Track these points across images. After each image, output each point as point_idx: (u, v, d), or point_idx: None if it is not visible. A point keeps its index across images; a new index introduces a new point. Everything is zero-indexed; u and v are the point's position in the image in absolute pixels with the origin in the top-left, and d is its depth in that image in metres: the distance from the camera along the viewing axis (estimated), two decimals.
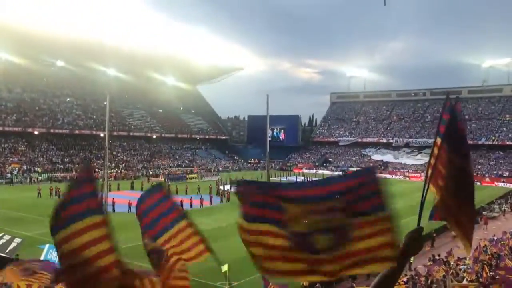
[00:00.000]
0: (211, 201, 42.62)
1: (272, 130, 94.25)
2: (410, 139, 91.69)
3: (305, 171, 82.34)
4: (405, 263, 2.15)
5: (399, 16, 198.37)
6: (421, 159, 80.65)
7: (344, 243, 2.06)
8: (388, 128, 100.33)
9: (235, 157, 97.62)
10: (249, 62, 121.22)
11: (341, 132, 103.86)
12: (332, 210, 2.06)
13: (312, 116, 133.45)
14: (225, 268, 16.85)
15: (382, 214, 2.05)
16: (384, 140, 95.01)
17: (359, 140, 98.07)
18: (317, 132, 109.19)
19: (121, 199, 37.54)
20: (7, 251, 20.65)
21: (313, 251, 2.09)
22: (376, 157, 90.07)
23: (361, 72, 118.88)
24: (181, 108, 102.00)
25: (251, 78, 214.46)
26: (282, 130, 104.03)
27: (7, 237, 22.42)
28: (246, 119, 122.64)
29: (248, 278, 18.29)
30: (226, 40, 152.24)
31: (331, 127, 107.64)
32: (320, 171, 79.84)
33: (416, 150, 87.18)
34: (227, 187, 52.70)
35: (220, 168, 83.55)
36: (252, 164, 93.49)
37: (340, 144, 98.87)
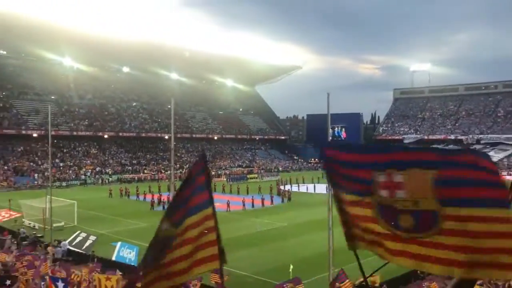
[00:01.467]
0: (272, 201, 42.82)
1: (333, 129, 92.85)
2: (481, 135, 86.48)
3: None
4: None
5: (466, 6, 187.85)
6: (495, 155, 75.77)
7: (430, 231, 1.93)
8: (456, 124, 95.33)
9: (295, 157, 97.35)
10: (307, 61, 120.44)
11: (405, 129, 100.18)
12: (421, 184, 1.93)
13: (375, 113, 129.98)
14: (290, 268, 16.89)
15: (500, 211, 1.82)
16: (452, 137, 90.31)
17: (425, 137, 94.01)
18: (380, 129, 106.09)
19: None
20: (83, 247, 22.05)
21: (399, 228, 2.02)
22: None
23: (425, 66, 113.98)
24: (240, 109, 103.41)
25: (310, 77, 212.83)
26: (343, 129, 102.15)
27: (83, 234, 23.97)
28: (305, 118, 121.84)
29: (312, 278, 18.16)
30: (283, 40, 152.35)
31: (395, 124, 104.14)
32: None
33: (488, 146, 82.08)
34: (288, 187, 52.73)
35: (280, 168, 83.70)
36: (312, 163, 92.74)
37: (405, 141, 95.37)
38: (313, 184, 53.28)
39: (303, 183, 57.93)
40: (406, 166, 1.99)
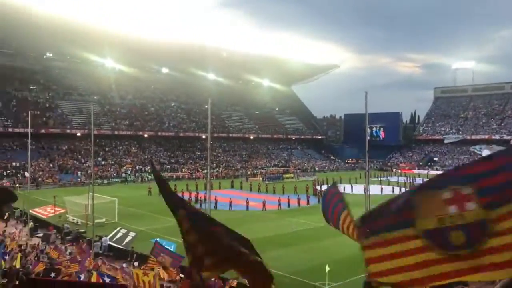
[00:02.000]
0: (308, 201, 42.57)
1: (371, 128, 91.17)
2: None
3: (415, 171, 78.01)
4: None
5: (510, 1, 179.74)
6: None
7: (482, 240, 1.88)
8: (502, 124, 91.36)
9: (331, 157, 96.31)
10: (345, 60, 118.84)
11: (447, 129, 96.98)
12: (463, 199, 1.90)
13: (414, 112, 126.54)
14: (327, 268, 16.76)
15: None
16: (497, 137, 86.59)
17: (468, 137, 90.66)
18: (420, 129, 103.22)
19: (222, 197, 39.18)
20: (123, 243, 22.69)
21: (451, 248, 1.94)
22: None
23: (468, 64, 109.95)
24: (277, 109, 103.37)
25: (348, 76, 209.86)
26: (382, 128, 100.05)
27: (123, 231, 24.69)
28: (342, 118, 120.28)
29: (348, 279, 17.93)
30: (321, 39, 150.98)
31: (436, 124, 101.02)
32: (424, 171, 75.33)
33: None
34: (324, 187, 52.22)
35: (317, 168, 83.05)
36: (349, 164, 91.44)
37: (446, 141, 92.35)
38: (350, 185, 52.54)
39: (340, 183, 57.09)
40: (447, 184, 1.96)
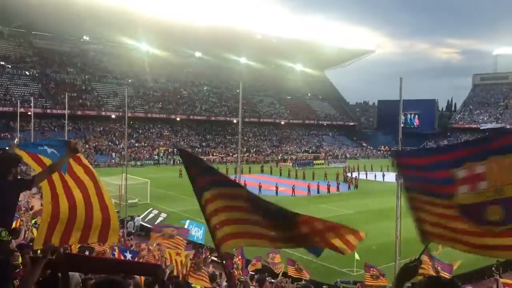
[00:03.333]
0: (338, 188, 42.27)
1: (405, 115, 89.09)
2: None
3: None
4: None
5: None
6: None
7: None
8: None
9: (364, 144, 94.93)
10: (381, 45, 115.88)
11: (485, 118, 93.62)
12: (505, 171, 1.91)
13: (451, 100, 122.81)
14: (357, 256, 16.68)
15: None
16: None
17: (508, 126, 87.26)
18: (457, 117, 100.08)
19: (252, 181, 39.39)
20: (155, 224, 23.27)
21: (484, 223, 2.04)
22: None
23: (510, 50, 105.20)
24: (309, 94, 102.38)
25: (382, 62, 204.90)
26: (417, 116, 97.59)
27: (155, 211, 25.32)
28: (376, 104, 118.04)
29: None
30: (356, 24, 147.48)
31: (473, 112, 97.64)
32: None
33: None
34: (355, 174, 51.67)
35: (348, 155, 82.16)
36: (381, 151, 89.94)
37: (482, 128, 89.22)
38: (381, 172, 51.75)
39: (372, 170, 56.46)
40: (486, 156, 1.96)
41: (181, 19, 72.51)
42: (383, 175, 50.37)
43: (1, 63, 66.07)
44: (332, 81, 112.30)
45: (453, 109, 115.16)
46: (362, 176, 52.41)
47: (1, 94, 60.51)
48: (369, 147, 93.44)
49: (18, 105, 47.24)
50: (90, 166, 4.59)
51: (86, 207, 4.51)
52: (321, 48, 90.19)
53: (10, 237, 3.74)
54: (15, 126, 49.52)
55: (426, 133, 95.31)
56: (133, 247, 13.36)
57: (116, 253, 9.82)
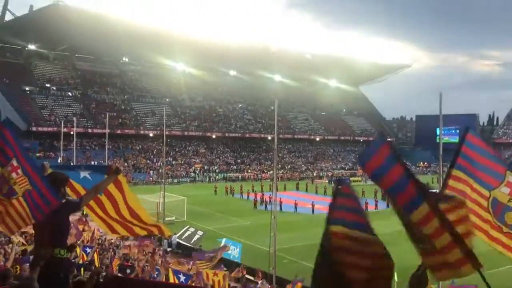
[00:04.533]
0: (376, 206, 41.29)
1: (445, 131, 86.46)
2: None
3: None
4: None
5: None
6: None
7: None
8: None
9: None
10: (417, 59, 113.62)
11: None
12: None
13: (493, 114, 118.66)
14: (395, 277, 16.08)
15: None
16: None
17: None
18: (500, 132, 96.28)
19: (288, 199, 39.12)
20: (192, 242, 23.39)
21: (502, 222, 2.38)
22: None
23: None
24: (344, 110, 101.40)
25: (419, 76, 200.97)
26: (457, 131, 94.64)
27: (191, 229, 25.48)
28: (413, 119, 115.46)
29: None
30: (391, 38, 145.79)
31: None
32: None
33: None
34: None
35: None
36: (421, 168, 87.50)
37: None
38: None
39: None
40: None
41: (216, 38, 73.98)
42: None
43: (47, 85, 69.32)
44: (368, 96, 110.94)
45: (495, 123, 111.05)
46: None
47: (46, 115, 63.28)
48: (407, 163, 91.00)
49: (62, 125, 49.24)
50: (128, 190, 4.87)
51: (119, 217, 4.89)
52: (356, 63, 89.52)
53: (68, 254, 3.93)
54: (58, 145, 51.53)
55: None
56: (173, 265, 13.48)
57: (170, 275, 9.85)
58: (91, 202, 4.62)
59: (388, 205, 42.89)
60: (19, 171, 3.94)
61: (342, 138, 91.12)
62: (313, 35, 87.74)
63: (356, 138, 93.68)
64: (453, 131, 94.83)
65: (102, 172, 4.63)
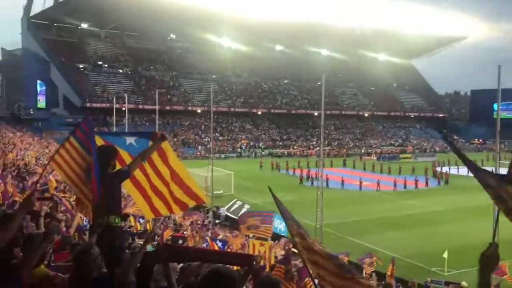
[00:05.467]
0: (427, 183, 40.19)
1: (503, 106, 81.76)
2: None
3: None
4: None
5: None
6: None
7: None
8: None
9: (455, 137, 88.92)
10: (475, 29, 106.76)
11: None
12: None
13: None
14: (445, 254, 15.77)
15: None
16: None
17: None
18: None
19: (334, 175, 38.83)
20: (239, 215, 23.88)
21: None
22: None
23: None
24: (394, 85, 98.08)
25: (477, 47, 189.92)
26: None
27: (239, 203, 26.03)
28: (468, 94, 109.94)
29: (467, 269, 16.66)
30: (444, 7, 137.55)
31: None
32: None
33: None
34: (446, 168, 48.68)
35: (437, 148, 77.61)
36: (475, 144, 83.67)
37: None
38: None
39: (464, 165, 52.75)
40: None
41: (262, 14, 73.14)
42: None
43: (99, 62, 71.81)
44: (420, 70, 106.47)
45: None
46: (454, 171, 49.16)
47: (99, 92, 65.80)
48: (461, 140, 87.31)
49: (114, 101, 51.04)
50: (172, 156, 4.86)
51: (165, 185, 4.82)
52: (407, 36, 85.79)
53: (122, 222, 4.16)
54: (111, 121, 53.60)
55: None
56: (221, 236, 13.90)
57: (208, 242, 10.28)
58: (133, 178, 4.64)
59: (439, 183, 41.73)
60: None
61: (392, 114, 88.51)
62: (361, 7, 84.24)
63: (407, 114, 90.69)
64: None
65: (148, 138, 4.73)
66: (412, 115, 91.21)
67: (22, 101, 62.31)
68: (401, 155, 64.23)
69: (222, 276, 2.27)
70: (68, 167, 4.27)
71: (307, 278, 6.95)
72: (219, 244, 10.35)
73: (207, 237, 11.77)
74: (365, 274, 12.19)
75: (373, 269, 13.03)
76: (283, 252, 12.88)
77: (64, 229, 5.95)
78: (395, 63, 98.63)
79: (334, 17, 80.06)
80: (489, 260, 2.00)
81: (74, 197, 7.04)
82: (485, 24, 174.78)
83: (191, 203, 5.04)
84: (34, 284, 3.15)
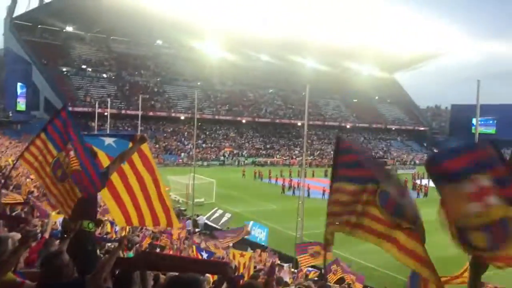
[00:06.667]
0: None
1: (482, 121, 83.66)
2: None
3: None
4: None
5: None
6: None
7: (504, 244, 1.80)
8: None
9: (435, 150, 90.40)
10: (456, 45, 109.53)
11: None
12: (484, 192, 1.80)
13: None
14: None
15: None
16: None
17: None
18: None
19: (316, 185, 38.97)
20: (220, 223, 23.77)
21: (470, 246, 2.00)
22: None
23: None
24: (377, 98, 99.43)
25: (458, 63, 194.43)
26: (495, 122, 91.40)
27: (220, 211, 25.86)
28: (449, 108, 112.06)
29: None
30: (427, 23, 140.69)
31: None
32: None
33: None
34: (425, 181, 49.35)
35: (417, 161, 78.73)
36: None
37: None
38: None
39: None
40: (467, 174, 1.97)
41: (248, 24, 73.53)
42: None
43: (83, 66, 71.02)
44: (402, 84, 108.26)
45: None
46: (432, 183, 49.91)
47: (82, 96, 64.98)
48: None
49: (96, 106, 50.48)
50: (151, 160, 4.77)
51: (144, 194, 4.70)
52: (390, 50, 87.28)
53: (96, 228, 4.07)
54: (93, 126, 52.95)
55: (505, 140, 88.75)
56: (202, 245, 13.77)
57: (194, 252, 10.17)
58: (111, 182, 4.47)
59: (418, 195, 42.26)
60: (71, 152, 4.08)
61: (374, 126, 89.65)
62: (346, 20, 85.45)
63: (388, 126, 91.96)
64: (490, 122, 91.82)
65: (127, 139, 4.64)
66: (393, 127, 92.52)
67: (2, 103, 61.17)
68: None
69: (183, 281, 2.31)
70: (38, 165, 4.18)
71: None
72: (205, 255, 10.22)
73: (193, 246, 11.67)
74: (331, 282, 12.16)
75: (339, 277, 13.01)
76: (264, 262, 12.85)
77: (39, 234, 5.84)
78: (378, 77, 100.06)
79: (319, 30, 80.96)
80: (480, 264, 2.05)
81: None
82: (466, 40, 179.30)
83: (163, 224, 4.93)
84: None
